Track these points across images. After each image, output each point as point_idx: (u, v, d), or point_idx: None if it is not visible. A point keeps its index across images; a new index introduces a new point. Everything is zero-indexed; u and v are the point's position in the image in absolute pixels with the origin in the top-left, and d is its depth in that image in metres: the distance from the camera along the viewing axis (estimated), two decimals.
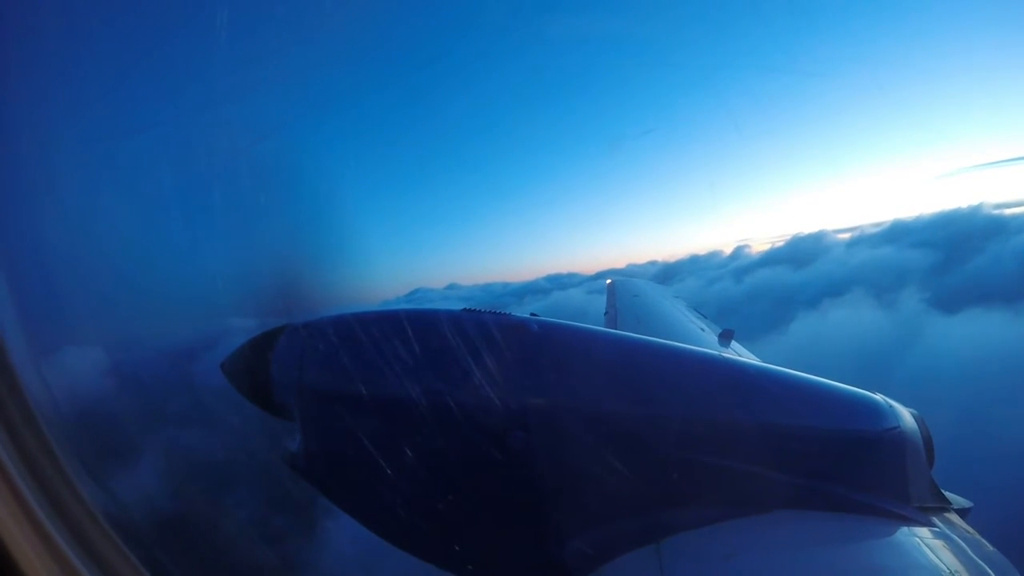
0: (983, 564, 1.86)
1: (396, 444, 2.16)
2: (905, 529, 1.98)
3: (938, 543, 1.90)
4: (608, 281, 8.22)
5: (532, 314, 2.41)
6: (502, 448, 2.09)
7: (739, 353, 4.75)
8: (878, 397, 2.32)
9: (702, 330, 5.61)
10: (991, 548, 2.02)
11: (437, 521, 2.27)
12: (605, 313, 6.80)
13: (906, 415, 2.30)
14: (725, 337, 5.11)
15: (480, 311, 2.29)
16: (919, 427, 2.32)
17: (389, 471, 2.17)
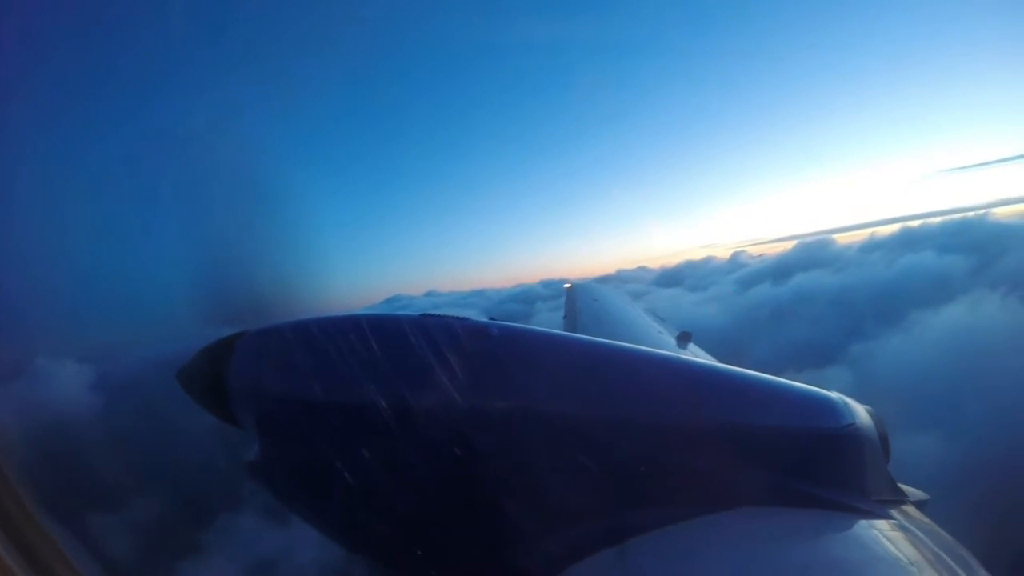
0: (941, 553, 1.89)
1: (356, 451, 2.13)
2: (864, 522, 2.00)
3: (897, 534, 1.93)
4: (567, 285, 8.34)
5: (491, 318, 2.42)
6: (464, 453, 2.08)
7: (697, 355, 4.83)
8: (834, 395, 2.35)
9: (660, 333, 5.69)
10: (949, 538, 2.06)
11: (400, 528, 2.25)
12: (565, 317, 6.88)
13: (862, 412, 2.34)
14: (683, 339, 5.19)
15: (440, 316, 2.28)
16: (874, 423, 2.35)
17: (350, 478, 2.15)
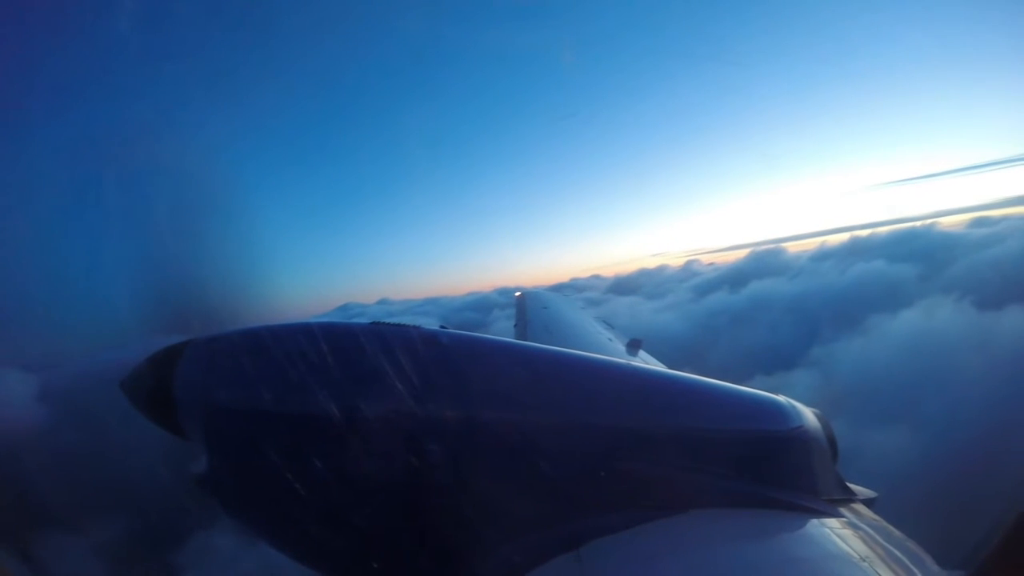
0: (892, 548, 1.95)
1: (307, 462, 2.08)
2: (815, 521, 2.04)
3: (847, 532, 1.97)
4: (517, 293, 8.42)
5: (442, 326, 2.40)
6: (418, 462, 2.05)
7: (647, 362, 4.89)
8: (782, 399, 2.41)
9: (610, 340, 5.74)
10: (898, 534, 2.12)
11: (352, 539, 2.20)
12: (515, 325, 6.91)
13: (809, 414, 2.40)
14: (633, 346, 5.25)
15: (391, 324, 2.26)
16: (822, 425, 2.41)
17: (300, 490, 2.09)
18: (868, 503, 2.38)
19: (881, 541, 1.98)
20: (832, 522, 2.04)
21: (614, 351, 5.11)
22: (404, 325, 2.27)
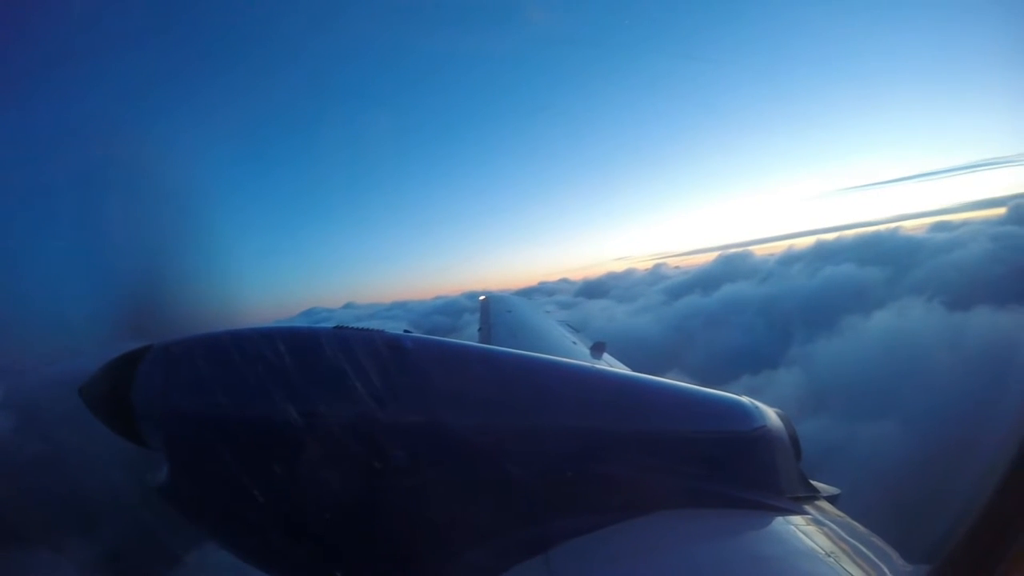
0: (856, 543, 1.98)
1: (270, 468, 2.04)
2: (781, 518, 2.07)
3: (812, 528, 2.00)
4: (481, 297, 8.49)
5: (405, 330, 2.40)
6: (383, 467, 2.04)
7: (611, 365, 4.93)
8: (744, 400, 2.45)
9: (574, 343, 5.80)
10: (863, 529, 2.16)
11: (319, 547, 2.17)
12: (479, 329, 6.95)
13: (772, 415, 2.44)
14: (597, 350, 5.30)
15: (354, 328, 2.25)
16: (784, 425, 2.45)
17: (264, 497, 2.05)
18: (832, 500, 2.42)
19: (846, 537, 2.01)
20: (797, 519, 2.07)
21: (578, 355, 5.16)
22: (368, 329, 2.26)
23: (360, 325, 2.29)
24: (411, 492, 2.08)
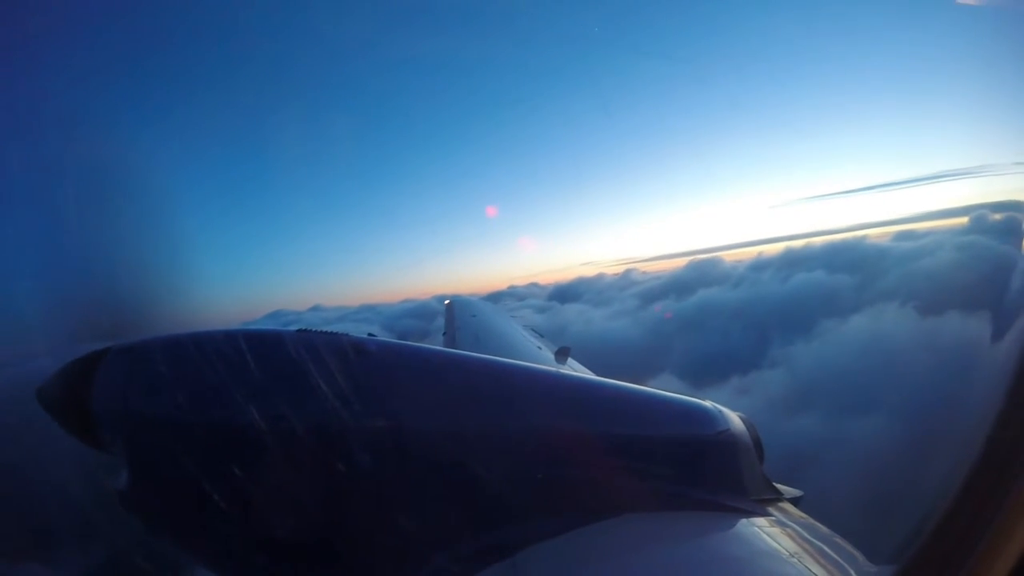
0: (818, 543, 2.00)
1: (232, 473, 2.00)
2: (745, 520, 2.10)
3: (776, 530, 2.03)
4: (446, 301, 8.49)
5: (369, 334, 2.38)
6: (347, 472, 2.02)
7: (575, 369, 4.99)
8: (708, 404, 2.48)
9: (539, 348, 5.85)
10: (825, 530, 2.19)
11: (282, 553, 2.13)
12: (444, 333, 6.96)
13: (735, 418, 2.47)
14: (562, 354, 5.34)
15: (317, 331, 2.23)
16: (747, 428, 2.48)
17: (225, 503, 2.01)
18: (795, 502, 2.45)
19: (809, 538, 2.04)
20: (761, 521, 2.09)
21: (543, 359, 5.20)
22: (332, 332, 2.24)
23: (328, 328, 2.27)
24: (375, 497, 2.07)
